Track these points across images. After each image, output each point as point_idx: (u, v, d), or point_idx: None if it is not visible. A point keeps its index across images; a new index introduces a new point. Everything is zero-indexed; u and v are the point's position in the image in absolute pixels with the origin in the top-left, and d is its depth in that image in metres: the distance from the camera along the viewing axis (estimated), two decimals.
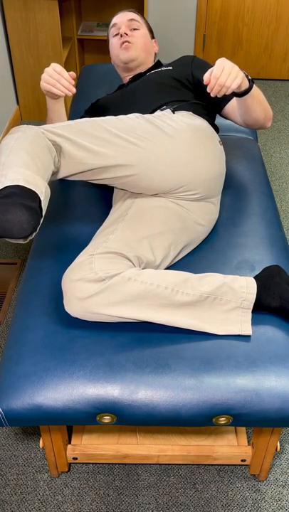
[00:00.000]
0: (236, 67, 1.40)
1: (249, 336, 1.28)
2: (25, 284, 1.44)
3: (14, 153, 1.27)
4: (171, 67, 1.83)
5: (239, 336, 1.28)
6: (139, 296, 1.25)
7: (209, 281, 1.30)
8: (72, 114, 2.18)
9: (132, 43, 1.88)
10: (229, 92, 1.41)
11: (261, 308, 1.32)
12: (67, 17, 3.23)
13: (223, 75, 1.38)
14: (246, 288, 1.30)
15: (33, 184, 1.19)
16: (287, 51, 3.58)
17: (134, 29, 1.92)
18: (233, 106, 1.73)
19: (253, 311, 1.34)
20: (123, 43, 1.88)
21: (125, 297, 1.25)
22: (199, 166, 1.46)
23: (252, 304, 1.30)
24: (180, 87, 1.75)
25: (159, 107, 1.68)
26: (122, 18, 1.93)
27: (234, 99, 1.73)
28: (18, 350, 1.26)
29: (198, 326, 1.28)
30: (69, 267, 1.31)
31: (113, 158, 1.40)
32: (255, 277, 1.34)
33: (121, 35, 1.89)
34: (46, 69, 1.53)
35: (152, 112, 1.68)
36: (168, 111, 1.61)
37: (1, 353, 1.92)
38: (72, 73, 1.54)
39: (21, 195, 1.16)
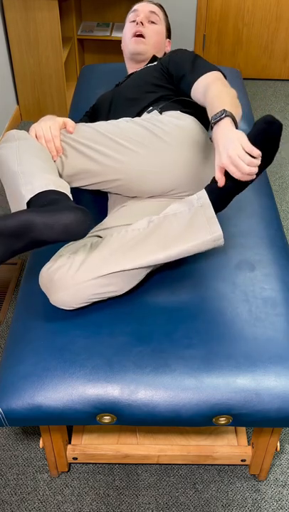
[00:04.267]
0: (235, 141, 1.17)
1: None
2: (26, 284, 1.44)
3: (26, 160, 1.30)
4: (156, 62, 1.75)
5: (239, 335, 1.28)
6: (116, 248, 1.28)
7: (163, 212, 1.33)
8: (73, 114, 2.18)
9: (145, 37, 1.85)
10: (256, 164, 1.18)
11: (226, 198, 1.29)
12: (67, 17, 3.23)
13: (240, 168, 1.17)
14: (197, 196, 1.31)
15: (61, 187, 1.25)
16: (287, 51, 3.58)
17: (152, 22, 1.88)
18: (195, 88, 1.52)
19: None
20: (136, 33, 1.85)
21: (105, 255, 1.28)
22: (190, 166, 1.45)
23: (209, 201, 1.28)
24: (162, 83, 1.67)
25: (146, 108, 1.64)
26: (144, 8, 1.89)
27: (197, 82, 1.50)
28: (18, 350, 1.27)
29: (172, 250, 1.28)
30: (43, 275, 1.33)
31: (105, 162, 1.41)
32: None
33: (137, 23, 1.86)
34: (43, 124, 1.42)
35: (140, 111, 1.64)
36: (155, 112, 1.57)
37: (1, 353, 1.92)
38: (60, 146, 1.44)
39: (63, 198, 1.20)
